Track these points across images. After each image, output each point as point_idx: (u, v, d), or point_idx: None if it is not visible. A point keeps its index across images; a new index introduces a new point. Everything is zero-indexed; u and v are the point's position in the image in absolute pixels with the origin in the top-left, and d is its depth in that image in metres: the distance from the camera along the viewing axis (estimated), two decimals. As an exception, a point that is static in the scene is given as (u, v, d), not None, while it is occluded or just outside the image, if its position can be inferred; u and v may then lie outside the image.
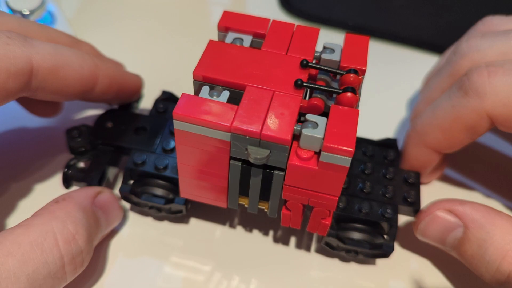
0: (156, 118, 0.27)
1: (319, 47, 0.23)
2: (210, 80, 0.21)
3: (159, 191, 0.25)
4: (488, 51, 0.24)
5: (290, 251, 0.26)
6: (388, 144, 0.27)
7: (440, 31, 0.36)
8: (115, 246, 0.25)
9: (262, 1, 0.40)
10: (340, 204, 0.24)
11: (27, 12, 0.32)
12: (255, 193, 0.22)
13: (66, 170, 0.25)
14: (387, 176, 0.26)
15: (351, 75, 0.21)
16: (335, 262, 0.26)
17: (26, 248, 0.19)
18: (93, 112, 0.31)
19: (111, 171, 0.27)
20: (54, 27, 0.33)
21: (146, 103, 0.30)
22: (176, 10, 0.39)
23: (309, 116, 0.20)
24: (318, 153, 0.20)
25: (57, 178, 0.28)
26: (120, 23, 0.38)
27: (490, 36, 0.25)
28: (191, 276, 0.25)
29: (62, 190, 0.26)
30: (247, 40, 0.23)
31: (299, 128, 0.20)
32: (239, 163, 0.21)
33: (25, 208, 0.26)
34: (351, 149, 0.19)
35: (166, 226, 0.26)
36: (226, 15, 0.24)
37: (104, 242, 0.25)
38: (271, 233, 0.27)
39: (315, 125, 0.20)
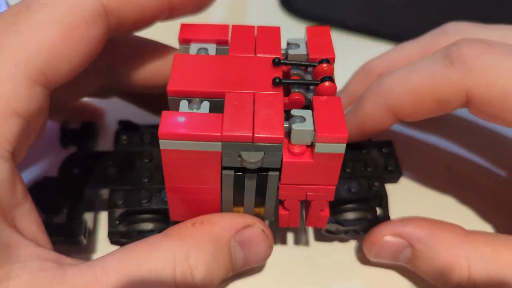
0: (122, 151, 0.26)
1: (283, 45, 0.23)
2: (186, 94, 0.20)
3: (150, 226, 0.24)
4: (482, 33, 0.23)
5: (289, 249, 0.26)
6: None
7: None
8: None
9: (262, 1, 0.40)
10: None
11: None
12: (251, 200, 0.22)
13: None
14: (363, 152, 0.26)
15: (324, 65, 0.21)
16: (336, 245, 0.26)
17: (144, 276, 0.18)
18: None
19: (89, 216, 0.25)
20: None
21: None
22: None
23: (294, 112, 0.20)
24: (310, 146, 0.20)
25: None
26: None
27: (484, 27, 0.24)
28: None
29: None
30: (212, 48, 0.22)
31: (288, 125, 0.20)
32: (232, 172, 0.20)
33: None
34: (345, 135, 0.19)
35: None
36: (185, 27, 0.23)
37: None
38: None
39: (302, 119, 0.20)
